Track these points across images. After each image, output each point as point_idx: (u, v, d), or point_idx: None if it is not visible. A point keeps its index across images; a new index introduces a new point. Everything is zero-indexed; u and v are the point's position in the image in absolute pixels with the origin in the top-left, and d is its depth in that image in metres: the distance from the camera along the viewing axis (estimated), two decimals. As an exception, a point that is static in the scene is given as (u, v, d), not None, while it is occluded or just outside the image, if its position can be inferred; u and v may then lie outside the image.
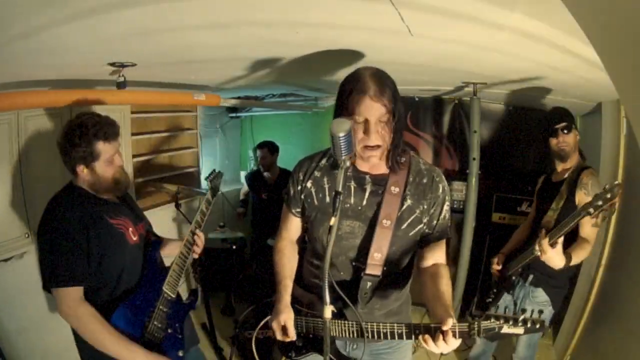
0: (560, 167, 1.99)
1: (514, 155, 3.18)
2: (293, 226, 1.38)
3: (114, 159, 1.44)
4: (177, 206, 2.56)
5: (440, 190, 1.21)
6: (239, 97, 3.30)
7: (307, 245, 1.36)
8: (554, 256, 1.56)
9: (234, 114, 4.24)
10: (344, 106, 1.10)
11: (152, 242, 1.58)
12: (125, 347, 1.28)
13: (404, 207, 1.18)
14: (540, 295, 1.90)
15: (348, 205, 1.21)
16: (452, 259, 2.78)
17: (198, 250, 1.60)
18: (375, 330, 1.13)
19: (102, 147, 1.40)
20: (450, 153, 3.40)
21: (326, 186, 1.24)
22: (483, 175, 2.96)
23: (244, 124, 4.49)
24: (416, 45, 1.36)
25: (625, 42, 0.55)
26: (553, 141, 1.95)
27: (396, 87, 1.11)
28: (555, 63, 1.46)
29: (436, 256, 1.23)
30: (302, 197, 1.28)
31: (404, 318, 1.33)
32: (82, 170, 1.40)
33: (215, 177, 1.79)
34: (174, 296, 1.48)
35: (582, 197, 1.82)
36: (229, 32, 1.26)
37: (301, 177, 1.29)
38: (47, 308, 2.04)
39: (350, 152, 1.03)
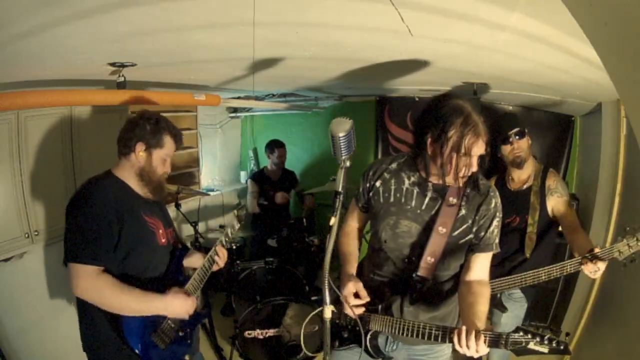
0: (516, 174, 1.96)
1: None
2: (357, 218, 1.50)
3: (168, 162, 1.49)
4: (177, 206, 2.56)
5: (493, 205, 1.28)
6: (239, 97, 3.30)
7: (370, 240, 1.45)
8: (603, 267, 1.51)
9: (234, 114, 4.24)
10: (447, 141, 1.17)
11: (179, 249, 1.61)
12: (147, 302, 1.33)
13: (459, 215, 1.27)
14: (516, 292, 1.90)
15: (409, 207, 1.30)
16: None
17: (220, 262, 1.62)
18: (409, 328, 1.18)
19: (168, 141, 1.47)
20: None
21: (392, 187, 1.33)
22: (482, 175, 2.96)
23: (244, 124, 4.48)
24: (416, 45, 1.36)
25: (625, 42, 0.55)
26: (507, 148, 1.90)
27: None
28: (555, 63, 1.46)
29: (479, 270, 1.28)
30: (370, 194, 1.38)
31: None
32: (140, 152, 1.41)
33: (241, 208, 1.90)
34: None
35: (556, 202, 1.84)
36: (229, 32, 1.26)
37: (371, 175, 1.38)
38: (48, 308, 2.04)
39: (350, 152, 1.03)
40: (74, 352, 1.40)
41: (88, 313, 1.35)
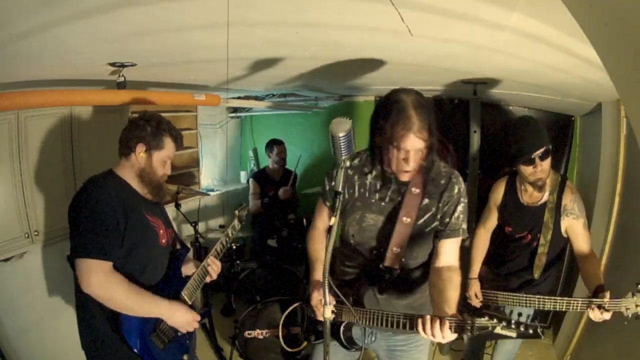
0: (531, 188, 1.77)
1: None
2: (325, 216, 1.49)
3: (168, 164, 1.50)
4: (177, 206, 2.55)
5: (456, 191, 1.28)
6: (239, 97, 3.29)
7: (340, 234, 1.45)
8: (608, 317, 1.47)
9: (234, 114, 4.24)
10: (386, 134, 1.18)
11: (179, 249, 1.62)
12: (154, 305, 1.34)
13: (422, 204, 1.28)
14: None
15: (373, 200, 1.32)
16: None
17: (214, 275, 1.59)
18: (379, 317, 1.19)
19: (168, 143, 1.47)
20: (451, 153, 3.40)
21: (356, 183, 1.35)
22: (483, 175, 2.96)
23: (244, 124, 4.48)
24: (416, 45, 1.36)
25: (625, 42, 0.55)
26: (527, 170, 1.67)
27: (433, 112, 1.19)
28: (555, 63, 1.46)
29: (448, 256, 1.28)
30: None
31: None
32: (140, 152, 1.41)
33: (242, 209, 1.89)
34: (190, 302, 1.50)
35: (570, 224, 1.72)
36: (229, 32, 1.26)
37: (334, 174, 1.36)
38: (48, 308, 2.04)
39: (350, 151, 1.04)
40: (74, 352, 1.40)
41: (88, 311, 1.35)
